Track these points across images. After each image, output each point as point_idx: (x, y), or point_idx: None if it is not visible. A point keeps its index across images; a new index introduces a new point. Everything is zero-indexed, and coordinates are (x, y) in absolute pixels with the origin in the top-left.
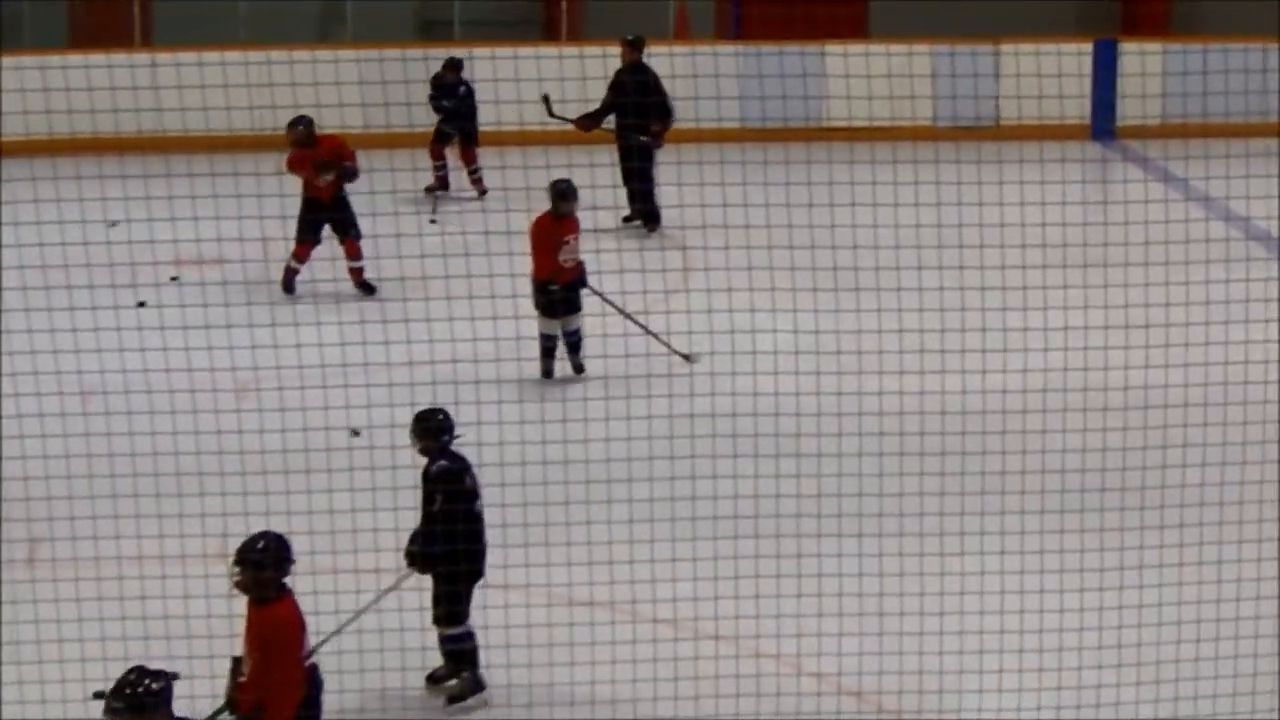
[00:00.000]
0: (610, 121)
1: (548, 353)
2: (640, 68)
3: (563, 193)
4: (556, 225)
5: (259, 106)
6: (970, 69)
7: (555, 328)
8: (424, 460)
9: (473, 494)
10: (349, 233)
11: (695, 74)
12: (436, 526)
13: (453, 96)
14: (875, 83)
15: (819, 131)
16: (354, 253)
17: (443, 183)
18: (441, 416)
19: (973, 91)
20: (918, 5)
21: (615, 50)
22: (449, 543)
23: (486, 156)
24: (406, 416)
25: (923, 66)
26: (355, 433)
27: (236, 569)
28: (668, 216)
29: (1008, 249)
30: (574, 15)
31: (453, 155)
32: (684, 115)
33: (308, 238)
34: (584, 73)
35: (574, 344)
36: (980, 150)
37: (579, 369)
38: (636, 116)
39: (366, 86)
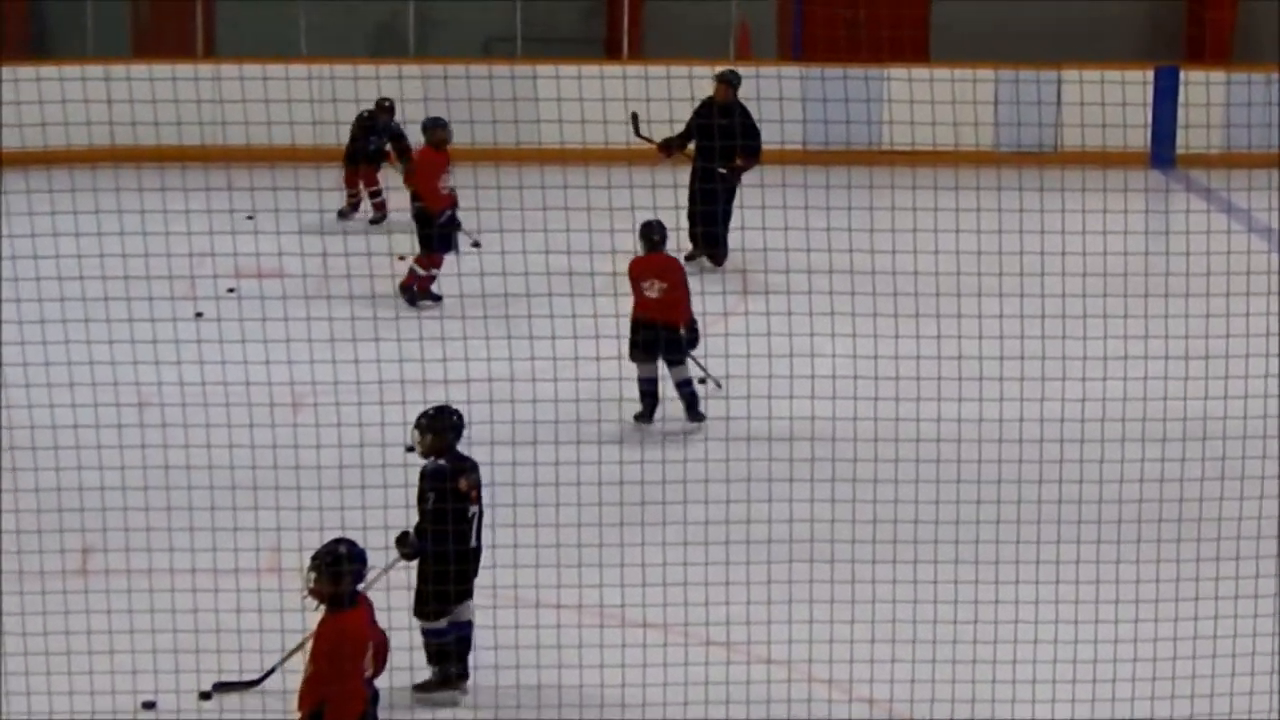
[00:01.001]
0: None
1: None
2: (734, 107)
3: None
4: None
5: (322, 122)
6: (1033, 95)
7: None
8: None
9: (465, 496)
10: (450, 246)
11: (759, 95)
12: (427, 525)
13: (381, 137)
14: (938, 107)
15: (881, 155)
16: (439, 264)
17: (381, 208)
18: (455, 417)
19: (1035, 118)
20: (980, 30)
21: (679, 70)
22: (437, 542)
23: (551, 174)
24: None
25: (985, 92)
26: (411, 449)
27: (311, 575)
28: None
29: (1068, 276)
30: (635, 34)
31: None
32: None
33: (440, 248)
34: (647, 93)
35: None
36: (1041, 177)
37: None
38: (724, 154)
39: (430, 102)
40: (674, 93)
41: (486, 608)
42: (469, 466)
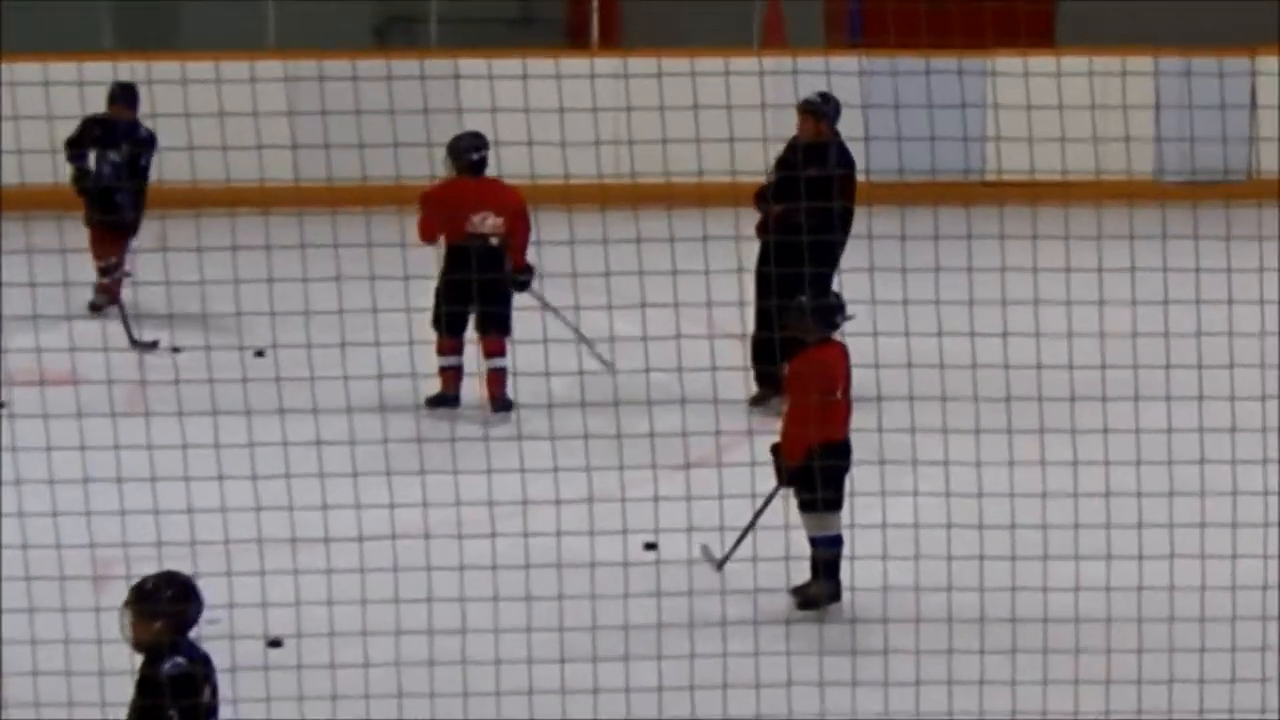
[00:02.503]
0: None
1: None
2: (826, 147)
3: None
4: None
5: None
6: (1214, 96)
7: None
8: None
9: (212, 710)
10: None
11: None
12: None
13: (117, 146)
14: (1068, 115)
15: (983, 188)
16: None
17: (113, 290)
18: (195, 589)
19: (1217, 129)
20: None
21: (673, 63)
22: None
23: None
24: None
25: (1141, 92)
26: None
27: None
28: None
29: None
30: (610, 12)
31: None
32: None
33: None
34: (628, 99)
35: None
36: (1228, 216)
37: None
38: (817, 219)
39: (298, 117)
40: (668, 99)
41: None
42: (209, 664)
